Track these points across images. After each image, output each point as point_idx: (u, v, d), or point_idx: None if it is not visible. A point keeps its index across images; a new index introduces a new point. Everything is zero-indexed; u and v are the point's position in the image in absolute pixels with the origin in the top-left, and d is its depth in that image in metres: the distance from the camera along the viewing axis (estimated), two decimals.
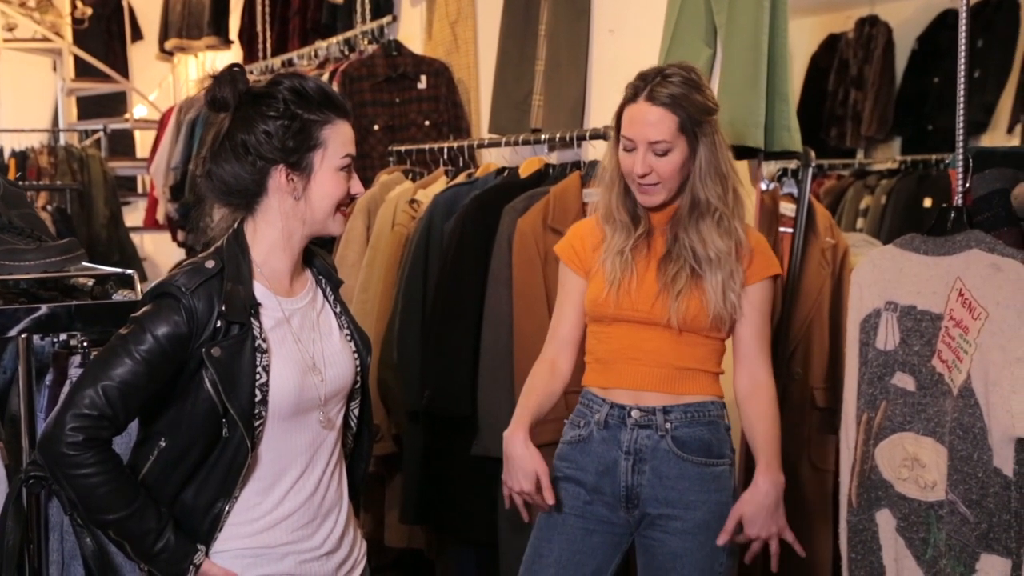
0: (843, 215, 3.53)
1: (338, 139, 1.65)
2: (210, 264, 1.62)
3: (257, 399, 1.60)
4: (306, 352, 1.68)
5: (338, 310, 1.79)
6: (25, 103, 7.81)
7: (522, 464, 1.93)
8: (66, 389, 1.91)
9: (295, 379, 1.64)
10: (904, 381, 1.86)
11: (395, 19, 4.28)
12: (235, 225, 1.68)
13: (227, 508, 1.62)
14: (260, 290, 1.65)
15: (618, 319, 1.99)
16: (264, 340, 1.62)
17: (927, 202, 3.38)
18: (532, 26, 3.32)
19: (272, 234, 1.66)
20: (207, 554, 1.61)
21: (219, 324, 1.58)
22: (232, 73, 1.64)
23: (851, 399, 1.98)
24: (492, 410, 2.59)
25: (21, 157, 6.07)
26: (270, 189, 1.64)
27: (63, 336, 1.98)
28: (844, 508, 1.98)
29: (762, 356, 2.01)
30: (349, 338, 1.77)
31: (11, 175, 5.81)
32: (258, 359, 1.60)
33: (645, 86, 1.93)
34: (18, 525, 1.77)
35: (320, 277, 1.78)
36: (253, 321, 1.61)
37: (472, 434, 2.66)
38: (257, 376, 1.60)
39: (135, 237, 6.23)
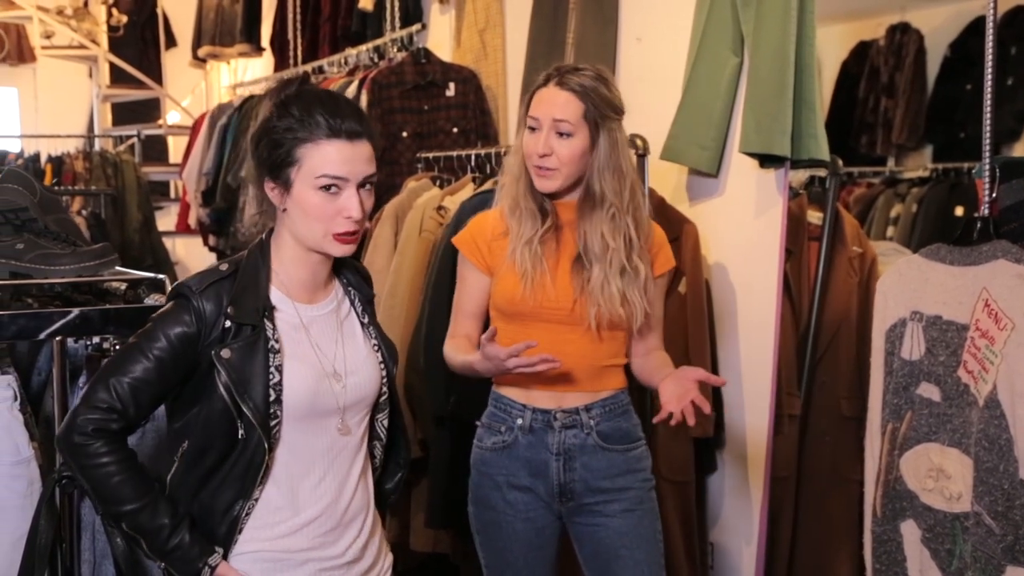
0: (873, 223, 3.50)
1: (316, 158, 1.60)
2: (224, 267, 1.66)
3: (271, 399, 1.61)
4: (326, 358, 1.69)
5: (366, 320, 1.79)
6: (62, 109, 7.95)
7: (492, 352, 1.86)
8: None
9: (309, 381, 1.65)
10: (929, 391, 1.85)
11: (424, 27, 4.30)
12: (263, 234, 1.72)
13: (245, 511, 1.63)
14: (276, 295, 1.68)
15: (537, 318, 2.00)
16: (277, 341, 1.64)
17: (959, 211, 3.33)
18: (560, 34, 3.33)
19: (288, 242, 1.69)
20: (226, 556, 1.62)
21: (228, 325, 1.61)
22: (283, 82, 1.70)
23: (876, 409, 1.97)
24: None
25: (57, 162, 6.15)
26: (270, 198, 1.68)
27: (96, 339, 2.01)
28: (868, 518, 1.97)
29: (656, 336, 2.11)
30: (376, 348, 1.78)
31: (47, 180, 5.90)
32: (271, 359, 1.62)
33: (557, 74, 1.99)
34: (51, 524, 1.79)
35: (350, 289, 1.79)
36: (267, 323, 1.63)
37: None
38: (270, 376, 1.61)
39: (167, 241, 6.29)
